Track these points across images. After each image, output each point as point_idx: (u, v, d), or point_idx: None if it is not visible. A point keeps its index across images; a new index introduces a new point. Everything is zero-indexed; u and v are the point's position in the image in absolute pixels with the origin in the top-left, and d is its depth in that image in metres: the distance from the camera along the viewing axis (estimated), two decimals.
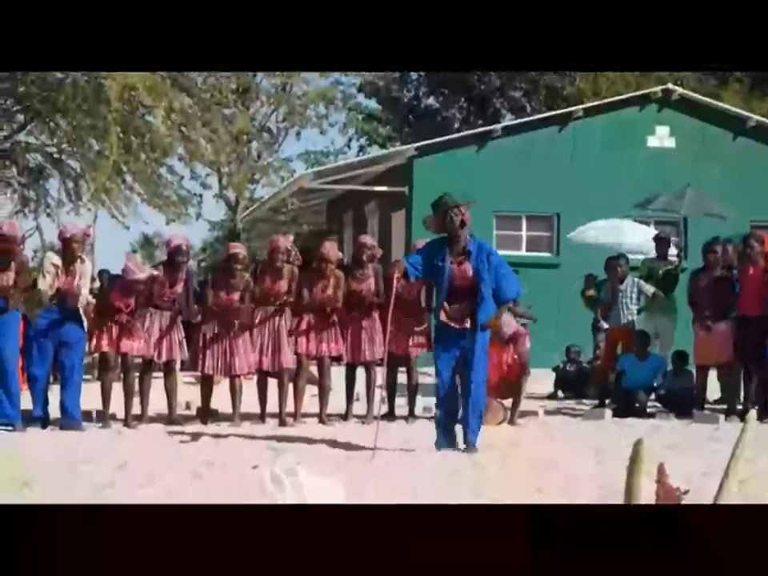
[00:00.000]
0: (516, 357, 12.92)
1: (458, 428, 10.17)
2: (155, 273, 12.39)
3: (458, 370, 10.05)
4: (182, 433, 11.36)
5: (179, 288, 12.32)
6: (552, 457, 9.70)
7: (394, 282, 10.33)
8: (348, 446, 10.32)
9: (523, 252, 24.42)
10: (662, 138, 24.72)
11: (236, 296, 12.28)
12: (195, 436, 11.10)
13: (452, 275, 10.01)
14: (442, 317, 10.07)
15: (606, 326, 16.88)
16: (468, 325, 9.94)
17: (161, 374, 12.66)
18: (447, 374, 10.05)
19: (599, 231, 18.35)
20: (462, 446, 10.04)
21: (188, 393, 14.04)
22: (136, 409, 12.23)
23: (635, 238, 17.71)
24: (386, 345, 11.17)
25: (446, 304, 10.06)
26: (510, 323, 12.87)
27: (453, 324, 10.00)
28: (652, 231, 18.37)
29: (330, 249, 12.80)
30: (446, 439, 10.09)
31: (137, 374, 12.39)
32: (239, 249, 12.72)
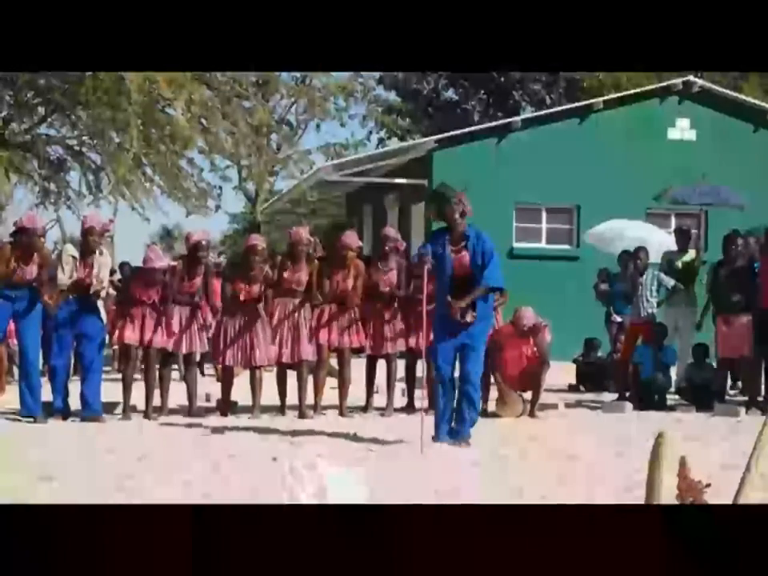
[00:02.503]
0: (535, 349, 12.90)
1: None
2: (174, 263, 12.44)
3: (457, 360, 9.97)
4: (202, 426, 11.36)
5: (198, 282, 12.34)
6: (572, 450, 9.70)
7: (425, 275, 10.02)
8: (368, 439, 10.32)
9: (543, 244, 24.42)
10: (682, 130, 24.66)
11: (255, 288, 12.28)
12: (215, 428, 11.11)
13: (453, 264, 9.96)
14: (446, 307, 9.96)
15: (618, 319, 16.88)
16: (468, 318, 9.87)
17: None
18: (447, 365, 9.96)
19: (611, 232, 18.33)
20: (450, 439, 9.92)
21: (208, 385, 14.06)
22: (156, 401, 12.26)
23: (644, 234, 17.61)
24: (427, 337, 10.96)
25: (448, 297, 9.94)
26: (528, 315, 12.86)
27: (454, 317, 9.89)
28: (659, 231, 18.42)
29: (350, 237, 12.82)
30: (446, 431, 10.02)
31: (157, 366, 12.43)
32: (258, 241, 12.72)
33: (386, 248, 12.86)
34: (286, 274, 12.39)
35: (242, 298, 12.25)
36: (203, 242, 12.46)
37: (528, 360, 12.85)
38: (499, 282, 9.99)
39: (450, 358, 9.97)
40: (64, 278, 11.73)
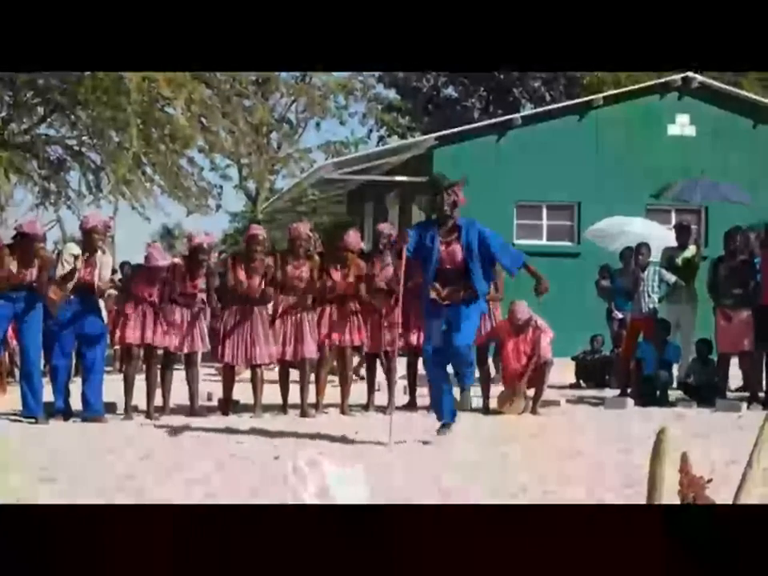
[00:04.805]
0: (532, 345, 12.82)
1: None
2: (177, 261, 12.41)
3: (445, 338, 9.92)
4: (203, 425, 11.34)
5: (199, 283, 12.31)
6: (574, 446, 9.69)
7: (403, 258, 9.85)
8: (369, 437, 10.30)
9: (544, 241, 24.41)
10: (682, 126, 24.65)
11: (256, 280, 12.24)
12: (217, 428, 11.09)
13: (441, 257, 9.85)
14: (432, 295, 9.82)
15: (620, 315, 16.88)
16: (455, 300, 9.76)
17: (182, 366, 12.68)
18: (437, 354, 9.89)
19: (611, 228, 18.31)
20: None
21: (210, 384, 14.03)
22: (158, 400, 12.25)
23: (644, 231, 17.59)
24: (399, 330, 11.05)
25: (437, 285, 9.84)
26: (522, 309, 12.82)
27: (441, 301, 9.81)
28: (659, 227, 18.42)
29: (352, 237, 12.81)
30: (445, 410, 10.07)
31: (159, 366, 12.41)
32: (259, 231, 12.70)
33: (381, 243, 12.86)
34: (287, 272, 12.35)
35: (242, 289, 12.19)
36: (205, 245, 12.42)
37: (527, 357, 12.82)
38: (521, 258, 10.00)
39: (439, 345, 9.87)
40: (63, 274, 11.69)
